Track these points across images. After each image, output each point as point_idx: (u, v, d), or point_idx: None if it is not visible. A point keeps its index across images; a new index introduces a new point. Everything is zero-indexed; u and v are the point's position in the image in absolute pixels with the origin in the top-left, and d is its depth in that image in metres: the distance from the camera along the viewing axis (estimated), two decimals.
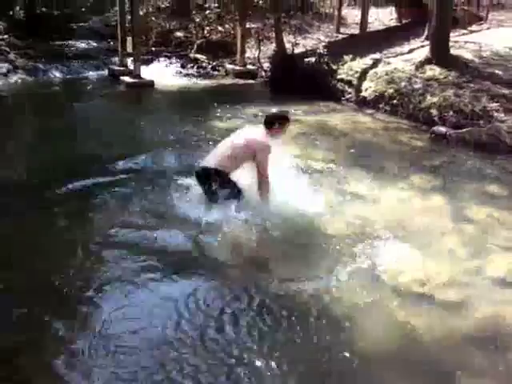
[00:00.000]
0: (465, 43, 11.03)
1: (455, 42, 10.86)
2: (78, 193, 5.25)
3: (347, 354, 3.08)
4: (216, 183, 4.41)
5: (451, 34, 10.47)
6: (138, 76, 10.92)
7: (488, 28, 13.26)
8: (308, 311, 3.52)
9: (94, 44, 15.05)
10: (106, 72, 12.04)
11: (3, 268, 3.84)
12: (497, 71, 9.28)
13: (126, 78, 10.91)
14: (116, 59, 12.38)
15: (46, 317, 3.30)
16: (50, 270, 3.83)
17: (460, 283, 3.92)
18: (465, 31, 12.77)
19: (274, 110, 4.75)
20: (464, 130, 7.84)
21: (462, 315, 3.54)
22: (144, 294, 3.64)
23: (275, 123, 4.53)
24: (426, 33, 11.50)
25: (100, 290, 3.62)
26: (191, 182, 5.09)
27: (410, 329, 3.37)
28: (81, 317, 3.35)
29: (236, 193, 4.55)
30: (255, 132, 4.57)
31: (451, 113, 8.42)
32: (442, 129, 8.08)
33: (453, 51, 10.16)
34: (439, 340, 3.28)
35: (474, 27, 13.35)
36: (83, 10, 16.82)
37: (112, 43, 14.08)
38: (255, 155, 4.38)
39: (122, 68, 11.77)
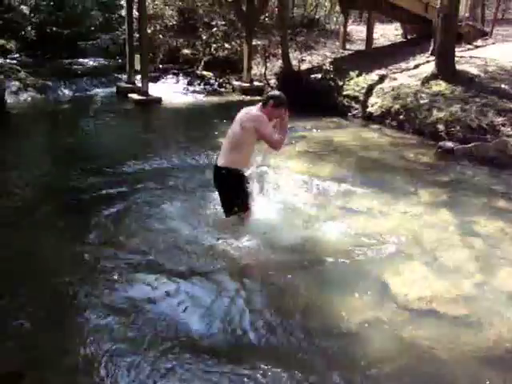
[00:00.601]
0: (470, 58, 11.07)
1: (461, 57, 10.90)
2: (85, 205, 5.33)
3: (355, 371, 3.08)
4: (229, 186, 4.44)
5: (456, 49, 10.52)
6: (146, 93, 11.03)
7: (493, 43, 13.30)
8: (315, 326, 3.52)
9: (103, 62, 15.23)
10: (114, 89, 12.16)
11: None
12: (503, 86, 9.30)
13: (134, 95, 11.02)
14: (124, 76, 12.52)
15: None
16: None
17: (469, 298, 3.91)
18: (470, 46, 12.82)
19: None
20: (471, 144, 7.86)
21: (473, 331, 3.53)
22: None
23: (269, 101, 4.35)
24: (431, 48, 11.55)
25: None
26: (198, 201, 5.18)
27: (420, 345, 3.35)
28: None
29: (245, 197, 4.49)
30: (248, 110, 4.41)
31: (458, 128, 8.46)
32: (449, 144, 8.09)
33: (458, 66, 10.20)
34: (450, 357, 3.26)
35: (479, 42, 13.40)
36: (92, 28, 17.03)
37: (120, 61, 14.26)
38: (256, 130, 4.26)
39: (130, 85, 11.89)
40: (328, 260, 4.40)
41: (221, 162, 4.41)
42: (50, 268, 4.15)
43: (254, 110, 4.39)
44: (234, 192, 4.44)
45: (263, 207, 4.99)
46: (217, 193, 4.69)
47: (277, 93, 4.64)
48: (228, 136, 4.46)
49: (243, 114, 4.41)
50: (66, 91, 11.92)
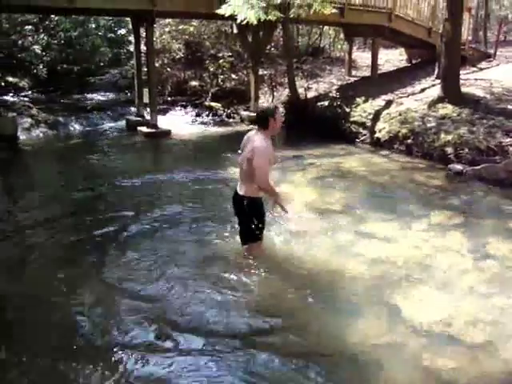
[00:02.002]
0: (475, 80, 11.17)
1: (466, 79, 11.00)
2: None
3: None
4: (246, 212, 4.45)
5: (461, 72, 10.62)
6: (155, 126, 11.19)
7: (497, 64, 13.40)
8: (333, 352, 3.52)
9: (112, 96, 15.56)
10: (123, 123, 12.34)
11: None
12: (509, 106, 9.35)
13: (143, 129, 11.18)
14: (133, 110, 12.73)
15: None
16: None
17: (486, 322, 3.87)
18: (474, 68, 12.94)
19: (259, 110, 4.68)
20: (480, 166, 7.86)
21: (491, 356, 3.48)
22: None
23: (269, 119, 4.31)
24: (436, 72, 11.67)
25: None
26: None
27: (437, 370, 3.32)
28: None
29: (255, 229, 4.49)
30: (255, 139, 4.33)
31: (466, 150, 8.47)
32: (459, 166, 8.11)
33: (464, 89, 10.28)
34: (469, 383, 3.23)
35: (483, 64, 13.51)
36: (102, 64, 17.43)
37: (129, 94, 14.54)
38: (253, 160, 4.24)
39: (139, 118, 12.07)
40: (340, 285, 4.41)
41: (242, 191, 4.45)
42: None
43: (259, 138, 4.31)
44: (253, 220, 4.45)
45: (276, 235, 5.09)
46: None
47: (259, 111, 4.64)
48: (242, 165, 4.46)
49: (251, 143, 4.35)
50: (77, 126, 12.12)
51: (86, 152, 9.48)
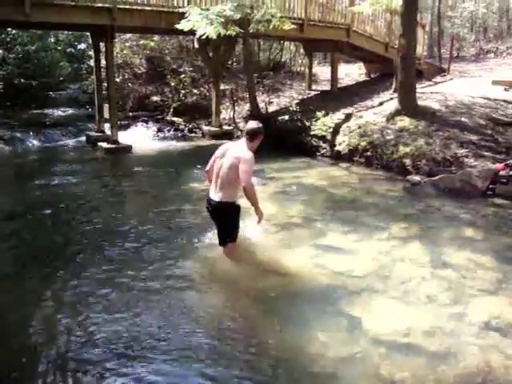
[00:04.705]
0: (431, 94, 11.49)
1: (422, 93, 11.30)
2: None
3: None
4: (224, 218, 4.81)
5: (417, 86, 10.92)
6: (116, 141, 11.04)
7: (451, 79, 13.86)
8: (293, 366, 3.50)
9: (72, 111, 15.29)
10: (84, 138, 12.14)
11: None
12: (463, 119, 9.64)
13: (104, 144, 11.02)
14: (94, 125, 12.55)
15: None
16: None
17: (444, 331, 3.93)
18: (430, 82, 13.34)
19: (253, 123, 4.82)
20: (437, 177, 8.06)
21: (449, 364, 3.53)
22: None
23: (258, 136, 4.70)
24: (393, 85, 11.96)
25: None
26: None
27: (398, 381, 3.34)
28: None
29: (234, 231, 4.87)
30: (238, 150, 4.64)
31: (424, 161, 8.68)
32: (416, 177, 8.29)
33: (420, 102, 10.56)
34: None
35: (438, 78, 13.95)
36: (61, 79, 17.16)
37: (90, 110, 14.33)
38: (239, 167, 4.49)
39: (99, 134, 11.90)
40: (301, 298, 4.42)
41: (218, 197, 4.68)
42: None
43: (244, 148, 4.61)
44: (232, 223, 4.82)
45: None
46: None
47: (255, 125, 4.78)
48: (221, 172, 4.66)
49: (234, 152, 4.61)
50: (36, 142, 11.85)
51: (42, 169, 9.24)
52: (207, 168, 4.95)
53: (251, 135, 4.68)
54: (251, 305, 4.31)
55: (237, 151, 4.61)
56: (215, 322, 4.07)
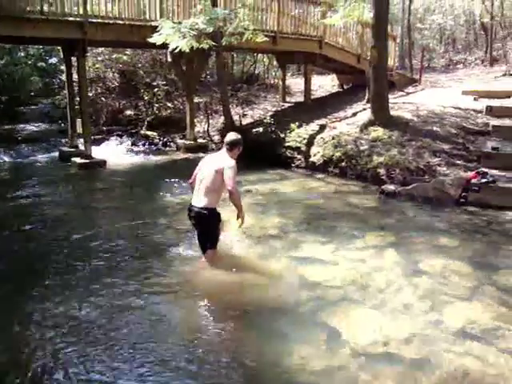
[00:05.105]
0: (403, 104, 11.66)
1: (394, 103, 11.46)
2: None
3: None
4: (206, 225, 4.97)
5: (390, 96, 11.07)
6: (89, 156, 10.89)
7: (422, 89, 14.11)
8: (271, 378, 3.48)
9: (45, 126, 15.09)
10: (56, 154, 11.95)
11: None
12: (435, 128, 9.80)
13: (77, 159, 10.85)
14: (67, 140, 12.37)
15: None
16: None
17: (421, 338, 3.94)
18: (402, 93, 13.55)
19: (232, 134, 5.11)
20: (411, 186, 8.15)
21: (427, 371, 3.54)
22: None
23: (237, 146, 5.02)
24: (366, 96, 12.10)
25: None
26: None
27: None
28: None
29: (215, 238, 5.06)
30: (221, 158, 4.95)
31: (398, 170, 8.78)
32: (391, 187, 8.36)
33: (393, 112, 10.70)
34: None
35: (410, 89, 14.19)
36: (32, 94, 16.95)
37: (63, 125, 14.14)
38: (224, 174, 4.79)
39: (72, 149, 11.71)
40: (278, 310, 4.40)
41: (201, 204, 4.88)
42: None
43: (226, 158, 4.91)
44: (212, 230, 5.01)
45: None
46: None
47: (234, 137, 5.06)
48: (203, 179, 4.92)
49: (217, 161, 4.91)
50: (6, 158, 11.62)
51: (13, 185, 9.00)
52: (191, 180, 5.21)
53: (230, 145, 4.98)
54: (229, 318, 4.27)
55: (220, 160, 4.93)
56: (193, 337, 4.01)
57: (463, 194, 7.73)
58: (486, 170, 8.03)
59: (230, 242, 5.74)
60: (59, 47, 12.94)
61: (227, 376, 3.50)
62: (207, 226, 4.98)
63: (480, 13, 19.72)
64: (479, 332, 4.03)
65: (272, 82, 18.11)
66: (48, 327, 4.11)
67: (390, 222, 6.98)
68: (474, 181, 7.77)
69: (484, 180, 7.70)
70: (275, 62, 16.82)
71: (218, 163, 4.89)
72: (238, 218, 4.99)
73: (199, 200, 4.92)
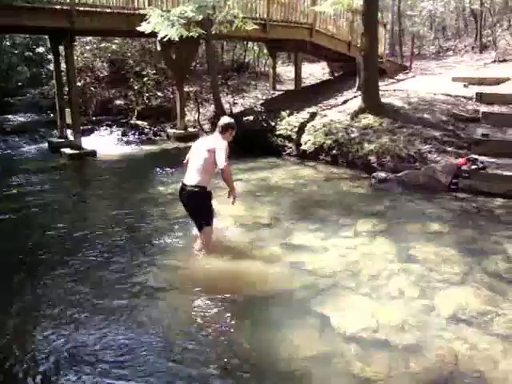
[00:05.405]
0: (394, 91, 11.64)
1: (385, 90, 11.45)
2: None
3: None
4: (198, 201, 5.06)
5: (380, 84, 11.04)
6: (79, 147, 10.81)
7: (413, 76, 14.08)
8: (265, 368, 3.48)
9: (33, 117, 14.91)
10: (46, 145, 11.85)
11: None
12: (425, 115, 9.81)
13: (67, 150, 10.77)
14: (56, 131, 12.26)
15: None
16: None
17: (413, 324, 3.98)
18: (393, 80, 13.52)
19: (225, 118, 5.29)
20: (402, 173, 8.18)
21: (419, 357, 3.58)
22: None
23: (229, 130, 5.13)
24: (357, 84, 12.07)
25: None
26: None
27: (370, 377, 3.37)
28: None
29: (209, 215, 5.15)
30: (213, 140, 5.07)
31: (389, 158, 8.79)
32: (382, 174, 8.38)
33: (384, 99, 10.69)
34: None
35: (400, 76, 14.17)
36: (20, 84, 16.73)
37: (52, 115, 13.98)
38: (215, 152, 4.90)
39: (62, 140, 11.61)
40: (270, 298, 4.43)
41: (194, 182, 4.99)
42: None
43: (218, 140, 5.03)
44: (205, 207, 5.09)
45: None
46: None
47: (227, 120, 5.24)
48: (195, 160, 5.06)
49: (210, 143, 5.05)
50: None
51: (2, 177, 8.92)
52: (185, 160, 5.31)
53: (223, 128, 5.11)
54: (222, 307, 4.27)
55: (212, 142, 5.06)
56: (185, 326, 4.02)
57: (454, 180, 7.77)
58: (476, 156, 8.06)
59: (222, 231, 5.73)
60: (46, 36, 12.80)
61: (220, 365, 3.51)
62: (199, 201, 5.07)
63: None
64: (469, 317, 4.07)
65: (262, 70, 18.03)
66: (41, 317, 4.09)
67: (381, 209, 7.00)
68: (464, 167, 7.80)
69: (474, 166, 7.74)
70: (265, 50, 16.74)
71: (210, 144, 5.03)
72: (229, 195, 5.13)
73: (191, 179, 5.04)
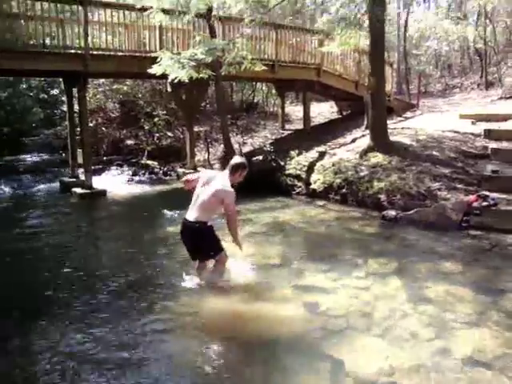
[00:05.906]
0: (402, 129, 11.73)
1: (393, 128, 11.53)
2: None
3: None
4: (200, 237, 5.13)
5: (388, 122, 11.15)
6: (90, 186, 10.93)
7: (420, 114, 14.22)
8: None
9: (46, 157, 15.19)
10: (57, 184, 11.98)
11: None
12: (434, 153, 9.83)
13: (78, 189, 10.89)
14: (68, 171, 12.41)
15: None
16: None
17: (428, 367, 3.87)
18: (400, 118, 13.65)
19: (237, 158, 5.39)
20: (412, 211, 8.12)
21: None
22: None
23: (239, 170, 5.17)
24: (365, 122, 12.18)
25: None
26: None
27: None
28: None
29: (216, 244, 5.21)
30: (220, 181, 5.08)
31: (398, 196, 8.76)
32: (392, 212, 8.33)
33: (392, 137, 10.75)
34: None
35: (408, 114, 14.31)
36: (34, 125, 17.09)
37: (64, 155, 14.22)
38: (223, 201, 4.98)
39: (73, 179, 11.76)
40: (281, 341, 4.34)
41: (196, 218, 5.06)
42: None
43: (225, 182, 5.07)
44: (209, 239, 5.16)
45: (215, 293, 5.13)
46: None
47: (238, 160, 5.28)
48: (201, 200, 5.08)
49: (217, 183, 5.05)
50: (7, 189, 11.66)
51: (14, 216, 8.99)
52: (188, 177, 5.43)
53: (233, 167, 5.15)
54: (233, 351, 4.21)
55: (220, 183, 5.06)
56: (196, 370, 3.94)
57: (465, 217, 7.70)
58: (487, 193, 8.02)
59: (232, 271, 5.69)
60: (60, 79, 13.13)
61: None
62: (201, 237, 5.12)
63: (473, 38, 19.98)
64: (487, 359, 3.95)
65: (271, 110, 18.27)
66: (44, 362, 4.03)
67: (392, 248, 6.94)
68: (475, 204, 7.76)
69: (485, 203, 7.69)
70: (274, 90, 16.99)
71: (218, 186, 5.03)
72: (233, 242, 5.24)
73: (194, 214, 5.09)
